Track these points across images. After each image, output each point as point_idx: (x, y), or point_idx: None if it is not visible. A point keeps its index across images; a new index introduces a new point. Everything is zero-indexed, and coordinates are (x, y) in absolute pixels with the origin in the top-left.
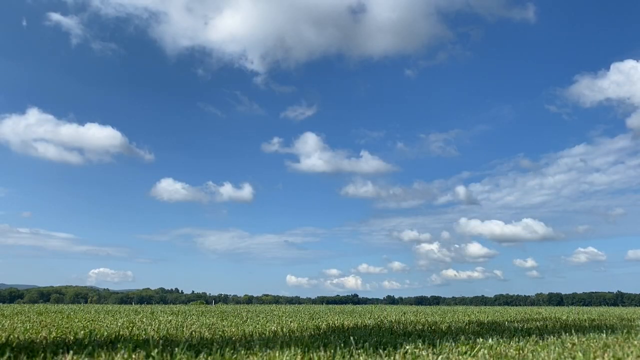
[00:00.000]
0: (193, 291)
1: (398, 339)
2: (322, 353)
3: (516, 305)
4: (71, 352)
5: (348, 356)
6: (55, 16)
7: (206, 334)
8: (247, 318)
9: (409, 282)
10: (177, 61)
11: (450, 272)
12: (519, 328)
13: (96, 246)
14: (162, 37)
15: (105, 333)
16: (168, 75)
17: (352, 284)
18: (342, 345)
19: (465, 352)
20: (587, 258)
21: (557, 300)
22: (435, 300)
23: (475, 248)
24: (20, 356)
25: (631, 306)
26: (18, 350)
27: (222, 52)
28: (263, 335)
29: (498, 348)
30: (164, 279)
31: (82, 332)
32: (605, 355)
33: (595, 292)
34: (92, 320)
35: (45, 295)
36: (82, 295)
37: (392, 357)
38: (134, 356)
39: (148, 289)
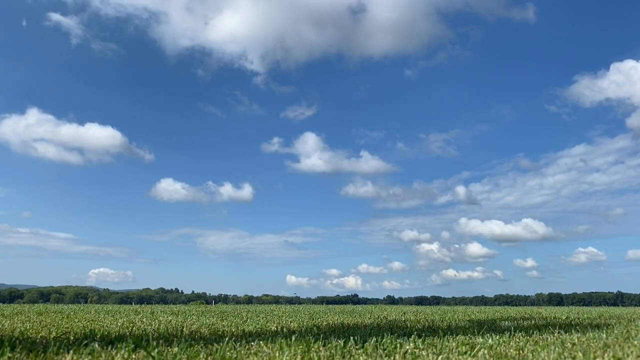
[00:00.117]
0: (193, 291)
1: (398, 339)
2: (322, 353)
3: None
4: (71, 352)
5: (348, 356)
6: (55, 16)
7: (206, 333)
8: (247, 318)
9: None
10: (177, 61)
11: (450, 272)
12: (517, 326)
13: (96, 246)
14: (162, 37)
15: (106, 333)
16: (168, 75)
17: (352, 284)
18: (342, 345)
19: (465, 352)
20: (587, 258)
21: (557, 300)
22: (435, 300)
23: (475, 248)
24: (21, 355)
25: (631, 306)
26: (19, 350)
27: (222, 52)
28: (262, 336)
29: (498, 348)
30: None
31: (82, 332)
32: (605, 355)
33: (595, 292)
34: (92, 320)
35: (45, 295)
36: (82, 295)
37: (392, 357)
38: (134, 356)
39: (148, 289)
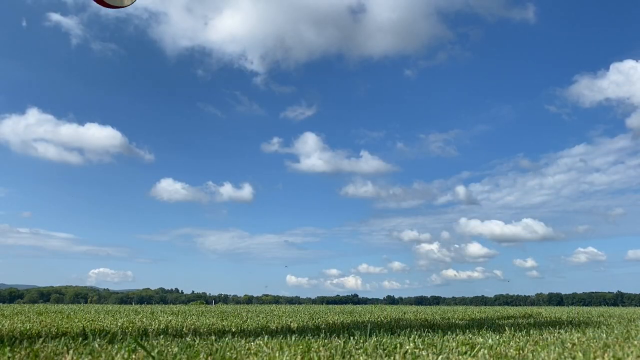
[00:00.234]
0: (193, 291)
1: (398, 339)
2: (322, 353)
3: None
4: (71, 351)
5: (348, 356)
6: (55, 16)
7: (205, 333)
8: (247, 318)
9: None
10: (177, 61)
11: (450, 272)
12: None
13: (96, 246)
14: (162, 37)
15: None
16: (168, 75)
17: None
18: (342, 345)
19: (465, 352)
20: (587, 258)
21: (557, 300)
22: (435, 300)
23: (475, 248)
24: (21, 355)
25: (631, 306)
26: (19, 350)
27: (222, 53)
28: (262, 334)
29: (498, 348)
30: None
31: (82, 332)
32: (605, 355)
33: (595, 292)
34: (92, 320)
35: (45, 295)
36: (82, 295)
37: (392, 357)
38: (134, 356)
39: (148, 289)
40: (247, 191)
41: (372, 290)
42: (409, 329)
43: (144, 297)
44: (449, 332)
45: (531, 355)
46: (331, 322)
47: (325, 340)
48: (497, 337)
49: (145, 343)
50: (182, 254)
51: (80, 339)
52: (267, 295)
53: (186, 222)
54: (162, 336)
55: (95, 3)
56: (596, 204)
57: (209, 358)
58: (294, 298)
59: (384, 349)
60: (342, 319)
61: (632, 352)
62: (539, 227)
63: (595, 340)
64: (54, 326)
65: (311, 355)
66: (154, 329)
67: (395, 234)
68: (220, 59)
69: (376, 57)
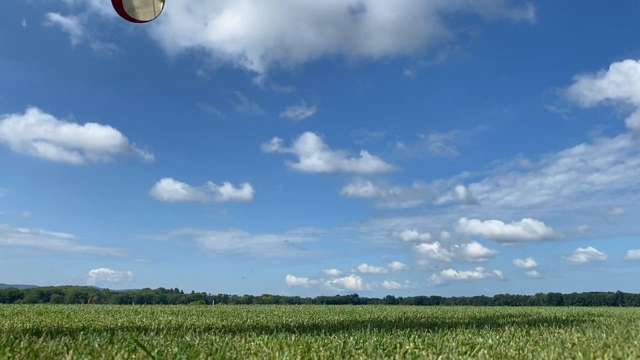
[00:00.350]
0: (193, 291)
1: (398, 339)
2: (322, 353)
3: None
4: (71, 351)
5: (348, 356)
6: (55, 16)
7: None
8: (247, 318)
9: (409, 282)
10: (177, 62)
11: (450, 272)
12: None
13: (96, 246)
14: (162, 37)
15: (106, 333)
16: (168, 75)
17: (352, 284)
18: (342, 345)
19: (465, 352)
20: (587, 258)
21: (557, 300)
22: (435, 300)
23: (475, 248)
24: (21, 355)
25: (631, 306)
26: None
27: (222, 53)
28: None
29: (498, 348)
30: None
31: (81, 332)
32: (605, 355)
33: (595, 292)
34: (92, 320)
35: (45, 296)
36: (82, 295)
37: (392, 357)
38: (134, 356)
39: (148, 289)
40: (247, 191)
41: (372, 290)
42: (409, 329)
43: (144, 297)
44: (449, 332)
45: (531, 355)
46: (331, 321)
47: (325, 340)
48: (497, 337)
49: (145, 343)
50: (182, 254)
51: (81, 338)
52: (267, 295)
53: (186, 222)
54: (161, 336)
55: (95, 2)
56: (596, 204)
57: (209, 358)
58: (294, 298)
59: (384, 349)
60: (342, 319)
61: (632, 352)
62: (539, 227)
63: (595, 340)
64: (53, 326)
65: (311, 355)
66: (153, 329)
67: (395, 234)
68: (220, 59)
69: (376, 57)
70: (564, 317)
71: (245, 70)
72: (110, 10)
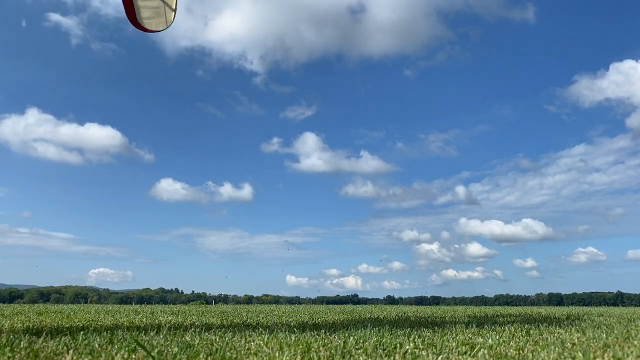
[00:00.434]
0: (193, 291)
1: (398, 339)
2: (322, 353)
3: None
4: (71, 351)
5: (348, 356)
6: (55, 16)
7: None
8: (247, 318)
9: (409, 282)
10: (177, 62)
11: (450, 272)
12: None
13: (96, 246)
14: (162, 37)
15: (106, 333)
16: (168, 75)
17: (352, 284)
18: (342, 345)
19: (465, 352)
20: (587, 258)
21: (557, 300)
22: (435, 300)
23: (475, 248)
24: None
25: (631, 306)
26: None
27: (222, 53)
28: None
29: (498, 348)
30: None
31: (81, 332)
32: (605, 355)
33: (595, 292)
34: (92, 320)
35: (45, 296)
36: (82, 295)
37: (392, 357)
38: (134, 356)
39: (148, 289)
40: (247, 191)
41: (372, 290)
42: (409, 328)
43: (144, 297)
44: (449, 332)
45: (531, 355)
46: (331, 321)
47: (325, 340)
48: (497, 337)
49: (145, 343)
50: (182, 254)
51: (81, 338)
52: (267, 295)
53: (186, 222)
54: (161, 336)
55: (95, 3)
56: (596, 204)
57: (209, 358)
58: (294, 298)
59: (384, 349)
60: (342, 319)
61: (632, 352)
62: (539, 227)
63: (595, 340)
64: (53, 326)
65: (311, 355)
66: (153, 329)
67: (395, 234)
68: (220, 59)
69: (376, 57)
70: (564, 317)
71: (245, 70)
72: (110, 10)
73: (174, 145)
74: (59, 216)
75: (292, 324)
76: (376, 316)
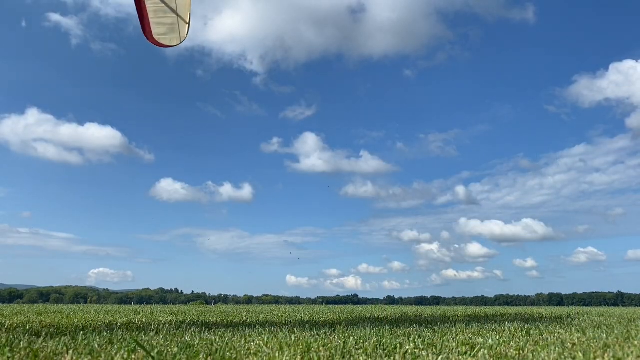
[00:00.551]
0: (193, 291)
1: (398, 339)
2: (322, 353)
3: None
4: (71, 351)
5: (348, 356)
6: (55, 17)
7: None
8: (247, 318)
9: (409, 282)
10: (177, 62)
11: (450, 272)
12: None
13: (96, 246)
14: None
15: (105, 333)
16: (168, 75)
17: (352, 284)
18: (342, 345)
19: (465, 353)
20: (587, 258)
21: (557, 300)
22: (435, 301)
23: (475, 248)
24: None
25: (631, 306)
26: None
27: (222, 53)
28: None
29: (498, 348)
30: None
31: (81, 332)
32: (605, 355)
33: (596, 292)
34: (92, 320)
35: (45, 296)
36: (81, 296)
37: (392, 357)
38: (133, 356)
39: (148, 289)
40: (247, 191)
41: (372, 290)
42: (409, 329)
43: (144, 297)
44: (449, 332)
45: (531, 355)
46: (330, 321)
47: (325, 340)
48: (497, 337)
49: (145, 343)
50: (182, 254)
51: (81, 338)
52: (267, 296)
53: (186, 222)
54: (161, 336)
55: (95, 3)
56: (596, 204)
57: (209, 358)
58: (294, 298)
59: (384, 349)
60: (342, 319)
61: (632, 352)
62: (539, 227)
63: (595, 340)
64: (53, 326)
65: (311, 355)
66: (153, 329)
67: (395, 234)
68: (220, 59)
69: (376, 57)
70: (564, 317)
71: (245, 70)
72: (110, 11)
73: (174, 145)
74: (59, 216)
75: (292, 322)
76: (376, 316)
